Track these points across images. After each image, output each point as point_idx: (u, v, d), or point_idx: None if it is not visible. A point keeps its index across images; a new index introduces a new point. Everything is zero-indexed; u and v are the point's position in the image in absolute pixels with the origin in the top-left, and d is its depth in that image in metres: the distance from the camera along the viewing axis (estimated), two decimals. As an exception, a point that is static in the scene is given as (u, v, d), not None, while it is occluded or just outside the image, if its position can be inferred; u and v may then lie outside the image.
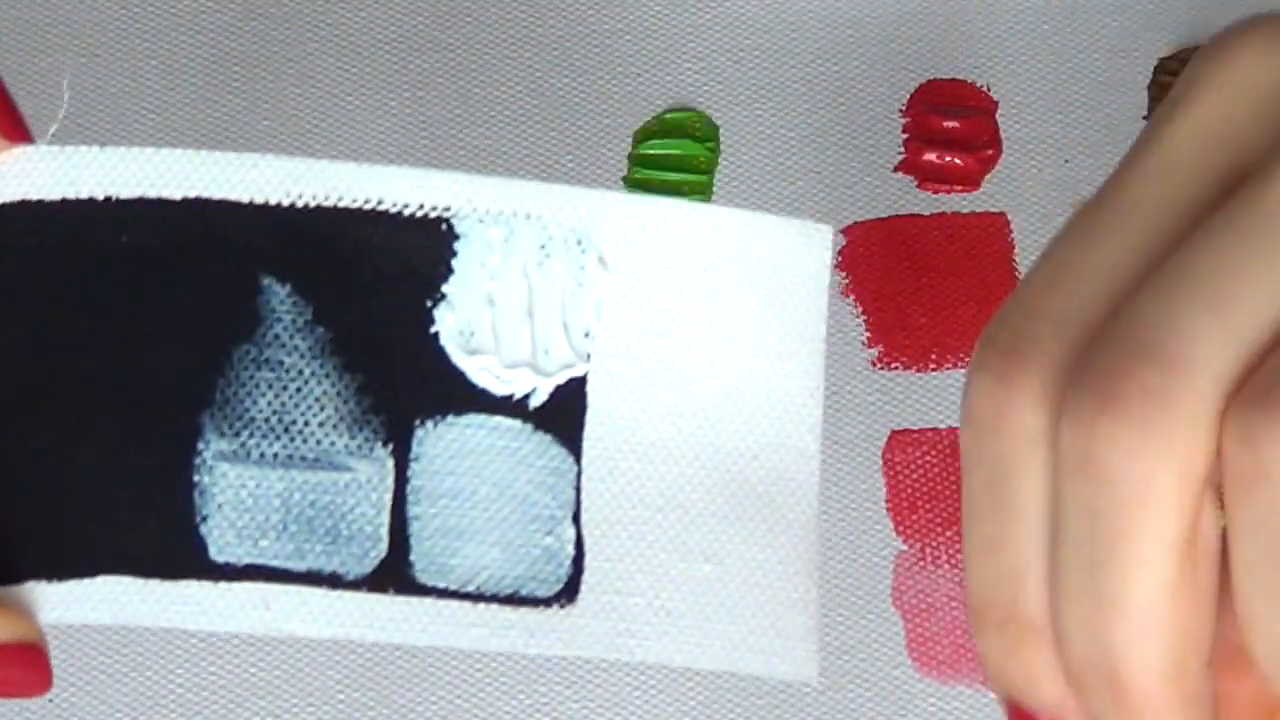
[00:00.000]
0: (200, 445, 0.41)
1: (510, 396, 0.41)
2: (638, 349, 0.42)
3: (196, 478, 0.41)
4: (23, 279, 0.41)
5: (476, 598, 0.41)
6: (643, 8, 0.69)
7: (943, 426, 0.62)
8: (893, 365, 0.63)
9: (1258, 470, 0.31)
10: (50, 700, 0.59)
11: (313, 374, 0.41)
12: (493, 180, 0.41)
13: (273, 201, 0.41)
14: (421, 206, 0.41)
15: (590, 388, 0.42)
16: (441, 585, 0.41)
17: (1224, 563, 0.33)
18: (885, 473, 0.62)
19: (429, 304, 0.41)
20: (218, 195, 0.41)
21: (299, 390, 0.41)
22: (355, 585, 0.41)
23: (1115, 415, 0.32)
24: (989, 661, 0.35)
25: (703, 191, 0.65)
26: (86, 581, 0.40)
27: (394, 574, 0.41)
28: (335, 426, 0.41)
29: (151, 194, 0.41)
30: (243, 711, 0.59)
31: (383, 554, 0.41)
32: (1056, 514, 0.33)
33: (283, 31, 0.68)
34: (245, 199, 0.41)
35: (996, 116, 0.67)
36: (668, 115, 0.67)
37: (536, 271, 0.41)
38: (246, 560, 0.40)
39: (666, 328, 0.42)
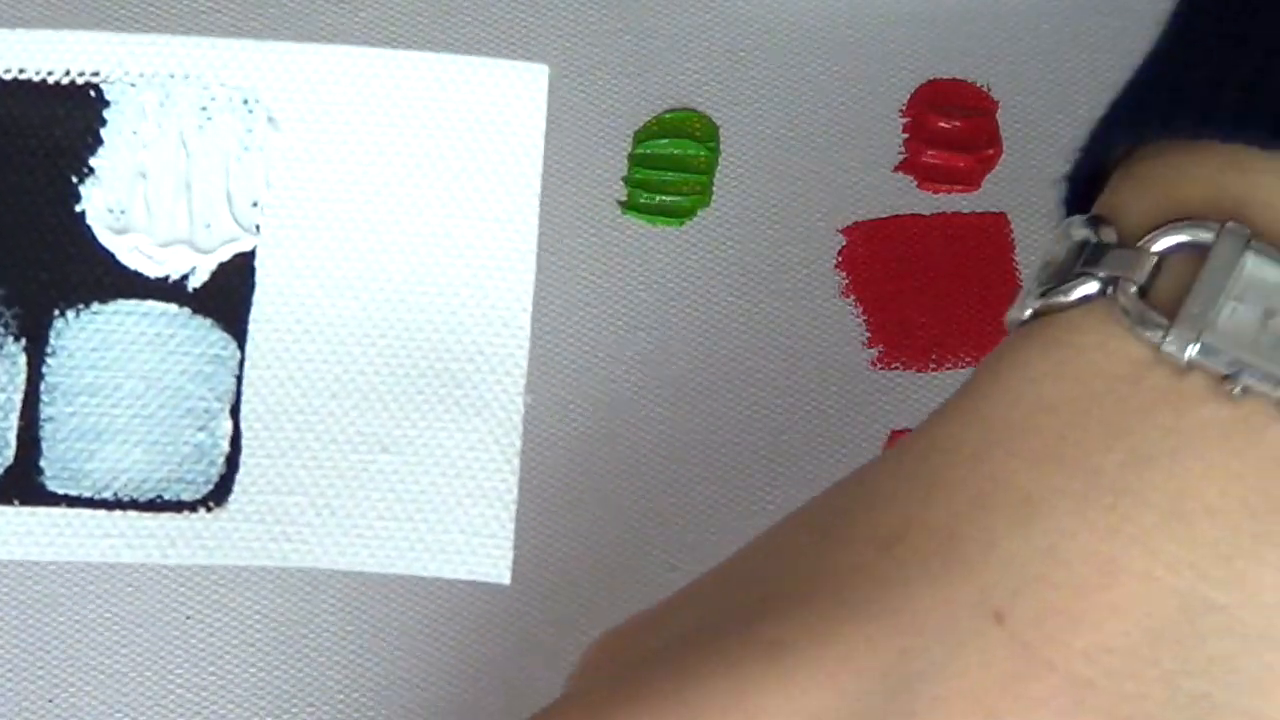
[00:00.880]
0: None
1: (166, 278, 0.38)
2: (315, 217, 0.38)
3: None
4: None
5: (113, 504, 0.38)
6: (643, 8, 0.69)
7: (943, 426, 0.62)
8: (893, 365, 0.63)
9: None
10: (50, 700, 0.59)
11: None
12: (146, 38, 0.38)
13: None
14: (68, 73, 0.38)
15: (259, 263, 0.38)
16: (74, 493, 0.38)
17: None
18: (885, 473, 0.62)
19: (75, 180, 0.38)
20: None
21: None
22: None
23: None
24: None
25: (702, 192, 0.65)
26: None
27: (21, 483, 0.38)
28: None
29: None
30: (242, 711, 0.59)
31: (8, 461, 0.38)
32: None
33: (282, 32, 0.68)
34: None
35: (997, 116, 0.67)
36: (667, 115, 0.67)
37: (197, 136, 0.38)
38: None
39: (349, 192, 0.38)
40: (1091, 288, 0.39)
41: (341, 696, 0.60)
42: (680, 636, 0.36)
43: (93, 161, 0.38)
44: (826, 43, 0.68)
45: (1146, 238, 0.38)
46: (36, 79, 0.38)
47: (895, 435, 0.62)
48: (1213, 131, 0.37)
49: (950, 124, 0.67)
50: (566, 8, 0.68)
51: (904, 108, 0.67)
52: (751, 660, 0.35)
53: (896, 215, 0.66)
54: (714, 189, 0.66)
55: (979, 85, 0.67)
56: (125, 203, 0.38)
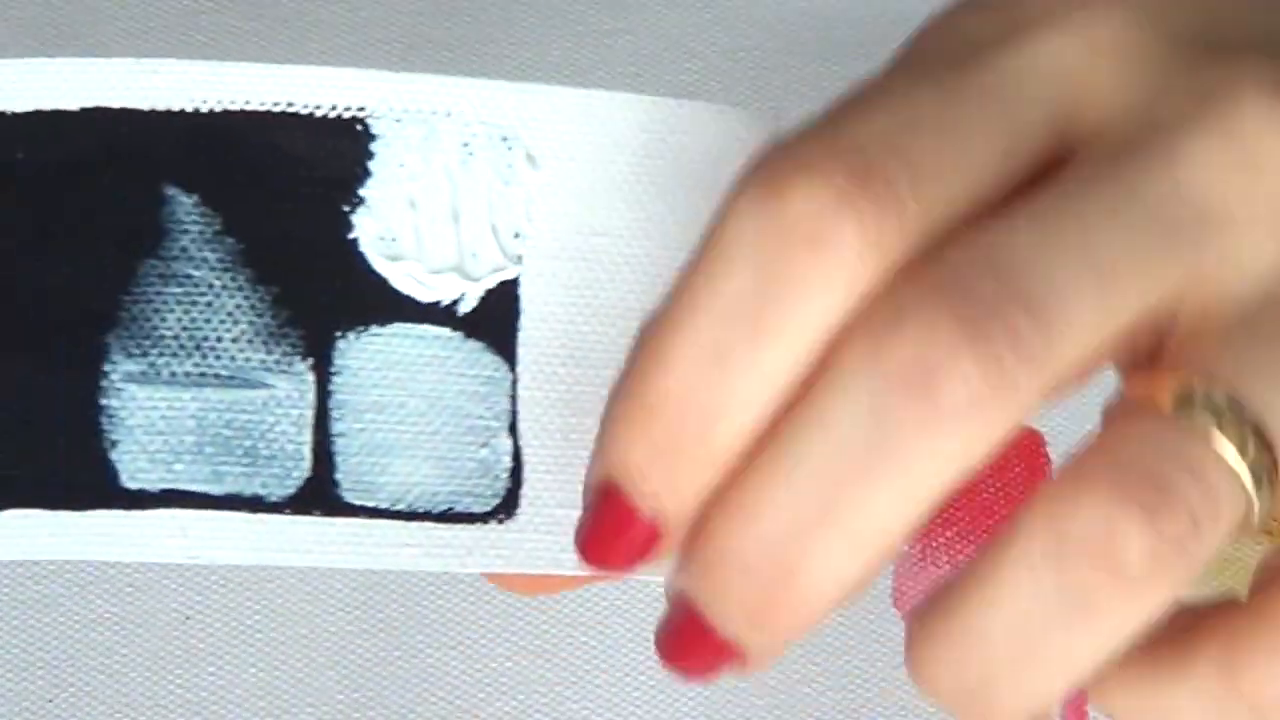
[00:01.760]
0: (107, 367, 0.39)
1: (437, 303, 0.39)
2: (571, 248, 0.40)
3: (104, 401, 0.39)
4: None
5: (408, 516, 0.39)
6: (643, 8, 0.69)
7: (943, 426, 0.62)
8: (893, 365, 0.63)
9: None
10: (50, 700, 0.59)
11: (224, 287, 0.39)
12: (409, 77, 0.40)
13: (175, 108, 0.39)
14: (335, 107, 0.39)
15: (522, 291, 0.40)
16: (370, 504, 0.39)
17: None
18: (885, 473, 0.62)
19: (346, 209, 0.39)
20: (116, 104, 0.39)
21: (210, 305, 0.39)
22: (278, 508, 0.39)
23: (975, 349, 0.32)
24: (618, 438, 0.35)
25: (703, 191, 0.66)
26: None
27: (319, 494, 0.39)
28: (250, 341, 0.39)
29: (47, 106, 0.39)
30: (242, 711, 0.59)
31: (306, 474, 0.39)
32: (814, 377, 0.34)
33: (282, 32, 0.68)
34: (146, 107, 0.39)
35: (996, 116, 0.67)
36: (667, 115, 0.67)
37: (460, 171, 0.40)
38: (160, 485, 0.39)
39: (600, 224, 0.40)
40: None
41: (341, 697, 0.60)
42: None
43: (362, 192, 0.39)
44: (827, 43, 0.68)
45: None
46: (304, 112, 0.39)
47: (895, 435, 0.62)
48: None
49: (950, 124, 0.67)
50: (567, 7, 0.68)
51: (904, 108, 0.67)
52: None
53: (896, 215, 0.66)
54: (714, 189, 0.66)
55: (979, 85, 0.67)
56: (395, 231, 0.39)
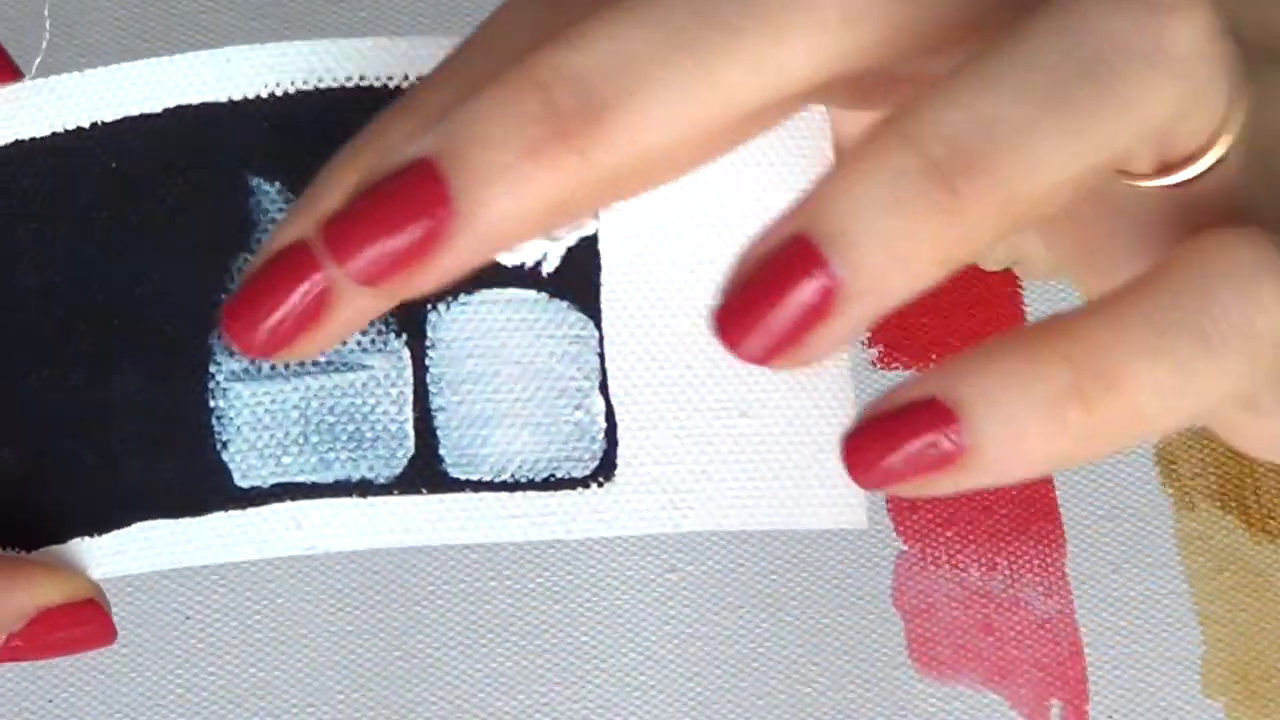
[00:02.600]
0: (212, 369, 0.39)
1: (522, 266, 0.39)
2: (647, 199, 0.38)
3: (212, 403, 0.39)
4: (27, 222, 0.40)
5: (513, 486, 0.39)
6: (642, 8, 0.69)
7: (943, 426, 0.62)
8: (893, 365, 0.63)
9: None
10: (50, 700, 0.59)
11: None
12: None
13: (251, 95, 0.39)
14: (406, 77, 0.39)
15: (602, 245, 0.40)
16: (475, 477, 0.39)
17: None
18: (885, 473, 0.62)
19: None
20: (196, 99, 0.39)
21: None
22: (386, 489, 0.39)
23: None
24: (505, 133, 0.30)
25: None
26: (125, 532, 0.39)
27: (425, 471, 0.39)
28: None
29: (134, 111, 0.40)
30: (242, 712, 0.59)
31: (410, 452, 0.39)
32: None
33: (282, 32, 0.68)
34: (224, 98, 0.39)
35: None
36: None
37: None
38: (272, 480, 0.39)
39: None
40: None
41: (341, 697, 0.60)
42: None
43: None
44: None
45: None
46: (377, 84, 0.39)
47: (895, 435, 0.62)
48: None
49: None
50: (566, 8, 0.69)
51: (904, 108, 0.67)
52: None
53: (896, 215, 0.66)
54: (714, 189, 0.66)
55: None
56: None
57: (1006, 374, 0.32)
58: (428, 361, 0.39)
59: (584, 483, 0.39)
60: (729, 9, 0.31)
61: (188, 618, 0.59)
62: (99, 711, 0.58)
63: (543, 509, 0.39)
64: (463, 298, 0.39)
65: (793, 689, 0.59)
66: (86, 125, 0.40)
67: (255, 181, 0.39)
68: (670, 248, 0.40)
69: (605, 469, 0.39)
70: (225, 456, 0.39)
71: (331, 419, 0.39)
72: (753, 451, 0.40)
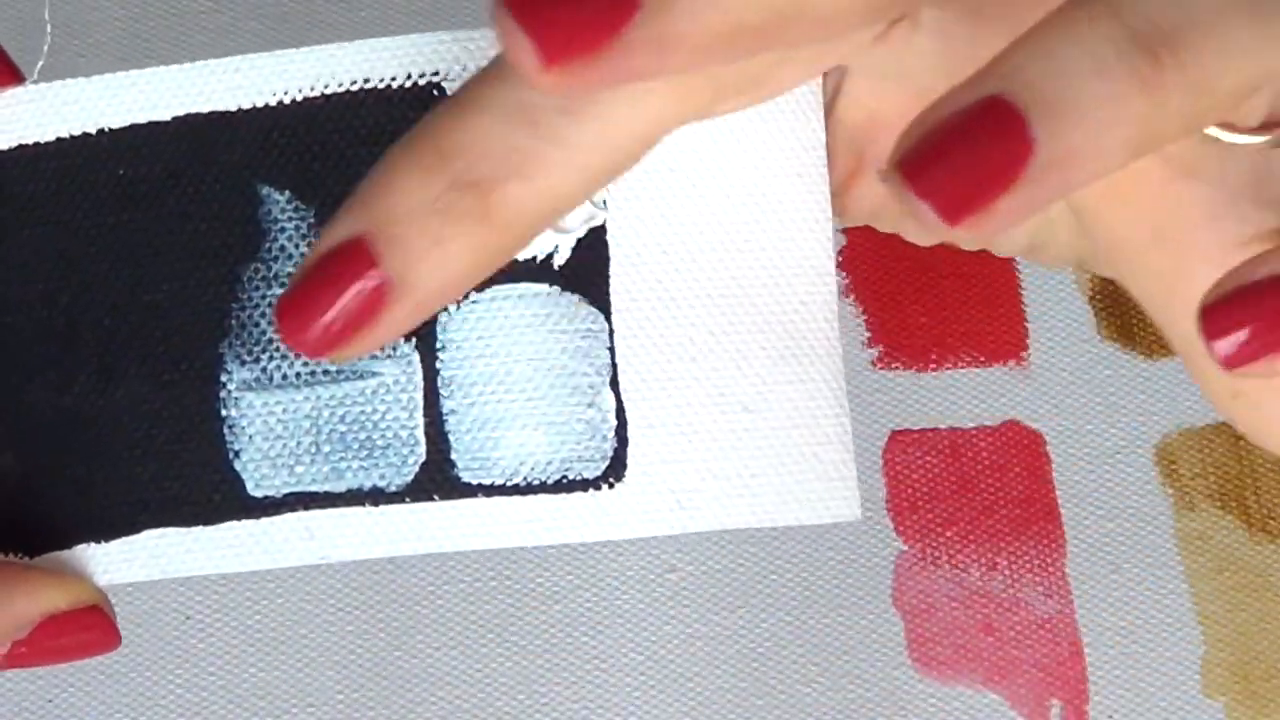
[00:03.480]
0: (223, 378, 0.39)
1: (533, 259, 0.39)
2: (651, 189, 0.39)
3: (224, 412, 0.39)
4: (30, 227, 0.40)
5: (525, 490, 0.39)
6: (642, 8, 0.69)
7: (943, 426, 0.62)
8: (893, 365, 0.63)
9: None
10: (50, 700, 0.59)
11: None
12: (480, 34, 0.39)
13: (260, 104, 0.39)
14: (409, 76, 0.39)
15: (610, 236, 0.39)
16: (487, 481, 0.39)
17: None
18: (885, 473, 0.62)
19: None
20: (205, 108, 0.39)
21: None
22: (398, 497, 0.39)
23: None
24: (393, 184, 0.32)
25: (702, 191, 0.65)
26: (133, 539, 0.39)
27: (436, 477, 0.39)
28: None
29: (141, 119, 0.40)
30: (242, 712, 0.59)
31: (421, 458, 0.39)
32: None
33: (282, 32, 0.68)
34: (233, 107, 0.39)
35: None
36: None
37: None
38: (285, 490, 0.39)
39: (676, 160, 0.39)
40: None
41: (341, 697, 0.60)
42: None
43: None
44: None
45: None
46: (382, 86, 0.39)
47: (895, 435, 0.62)
48: None
49: (950, 124, 0.67)
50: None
51: (904, 108, 0.67)
52: None
53: (896, 215, 0.66)
54: (714, 189, 0.66)
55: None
56: None
57: None
58: (439, 365, 0.39)
59: (595, 484, 0.39)
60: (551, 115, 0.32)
61: (188, 618, 0.59)
62: (99, 711, 0.58)
63: (554, 512, 0.39)
64: (474, 297, 0.39)
65: (793, 689, 0.59)
66: (93, 131, 0.40)
67: (265, 190, 0.39)
68: (675, 238, 0.40)
69: (616, 469, 0.39)
70: (238, 466, 0.39)
71: (343, 428, 0.39)
72: (754, 448, 0.39)
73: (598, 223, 0.39)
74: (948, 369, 0.63)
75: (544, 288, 0.39)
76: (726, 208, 0.40)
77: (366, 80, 0.39)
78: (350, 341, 0.33)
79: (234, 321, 0.39)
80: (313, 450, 0.39)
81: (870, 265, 0.65)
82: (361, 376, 0.39)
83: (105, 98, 0.40)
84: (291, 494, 0.39)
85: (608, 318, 0.39)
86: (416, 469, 0.39)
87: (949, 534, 0.61)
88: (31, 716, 0.59)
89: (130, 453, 0.40)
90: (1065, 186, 0.30)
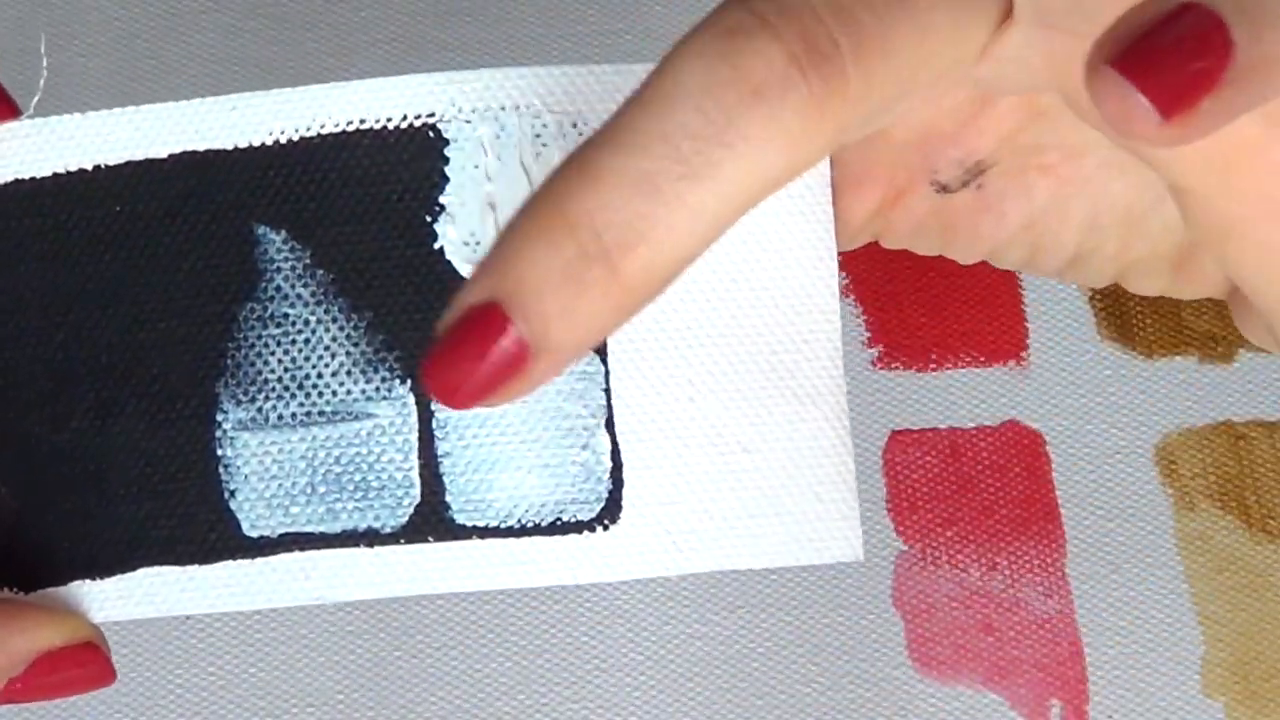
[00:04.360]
0: (219, 417, 0.39)
1: None
2: None
3: (220, 452, 0.39)
4: (26, 262, 0.40)
5: (519, 532, 0.39)
6: (643, 8, 0.69)
7: (943, 426, 0.62)
8: (893, 365, 0.63)
9: None
10: (50, 700, 0.59)
11: (319, 321, 0.40)
12: (475, 75, 0.39)
13: (256, 143, 0.39)
14: (405, 117, 0.39)
15: None
16: (482, 524, 0.39)
17: None
18: (885, 473, 0.62)
19: (428, 219, 0.39)
20: (202, 146, 0.40)
21: (307, 342, 0.40)
22: (393, 538, 0.39)
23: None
24: (522, 251, 0.33)
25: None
26: (128, 577, 0.40)
27: (431, 519, 0.39)
28: (349, 373, 0.39)
29: (138, 156, 0.40)
30: (242, 712, 0.59)
31: (416, 500, 0.39)
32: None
33: (282, 31, 0.68)
34: (229, 145, 0.40)
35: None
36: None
37: (535, 164, 0.39)
38: (280, 530, 0.39)
39: None
40: None
41: (341, 697, 0.60)
42: None
43: (442, 199, 0.39)
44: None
45: None
46: (377, 126, 0.40)
47: (895, 435, 0.62)
48: None
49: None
50: (567, 8, 0.68)
51: (904, 108, 0.67)
52: None
53: (896, 215, 0.66)
54: (714, 189, 0.66)
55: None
56: (479, 234, 0.39)
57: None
58: (434, 407, 0.39)
59: (589, 526, 0.39)
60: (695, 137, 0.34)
61: (188, 618, 0.59)
62: (99, 711, 0.58)
63: (549, 554, 0.39)
64: None
65: (793, 689, 0.59)
66: (89, 167, 0.40)
67: (261, 230, 0.40)
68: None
69: (610, 511, 0.39)
70: (233, 505, 0.39)
71: (338, 469, 0.39)
72: (754, 488, 0.40)
73: None
74: (948, 369, 0.63)
75: None
76: (728, 245, 0.40)
77: (362, 121, 0.40)
78: (496, 397, 0.34)
79: (230, 361, 0.40)
80: (308, 491, 0.39)
81: (870, 265, 0.65)
82: (357, 418, 0.39)
83: (102, 134, 0.40)
84: (287, 534, 0.39)
85: (603, 360, 0.39)
86: (411, 511, 0.39)
87: (949, 534, 0.61)
88: (32, 717, 0.59)
89: (126, 491, 0.40)
90: (1263, 93, 0.31)
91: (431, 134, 0.39)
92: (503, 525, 0.39)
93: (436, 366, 0.34)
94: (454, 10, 0.69)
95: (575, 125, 0.39)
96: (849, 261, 0.65)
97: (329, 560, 0.39)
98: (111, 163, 0.40)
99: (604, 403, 0.39)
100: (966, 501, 0.61)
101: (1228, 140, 0.34)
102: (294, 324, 0.40)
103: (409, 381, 0.39)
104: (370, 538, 0.39)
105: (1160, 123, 0.31)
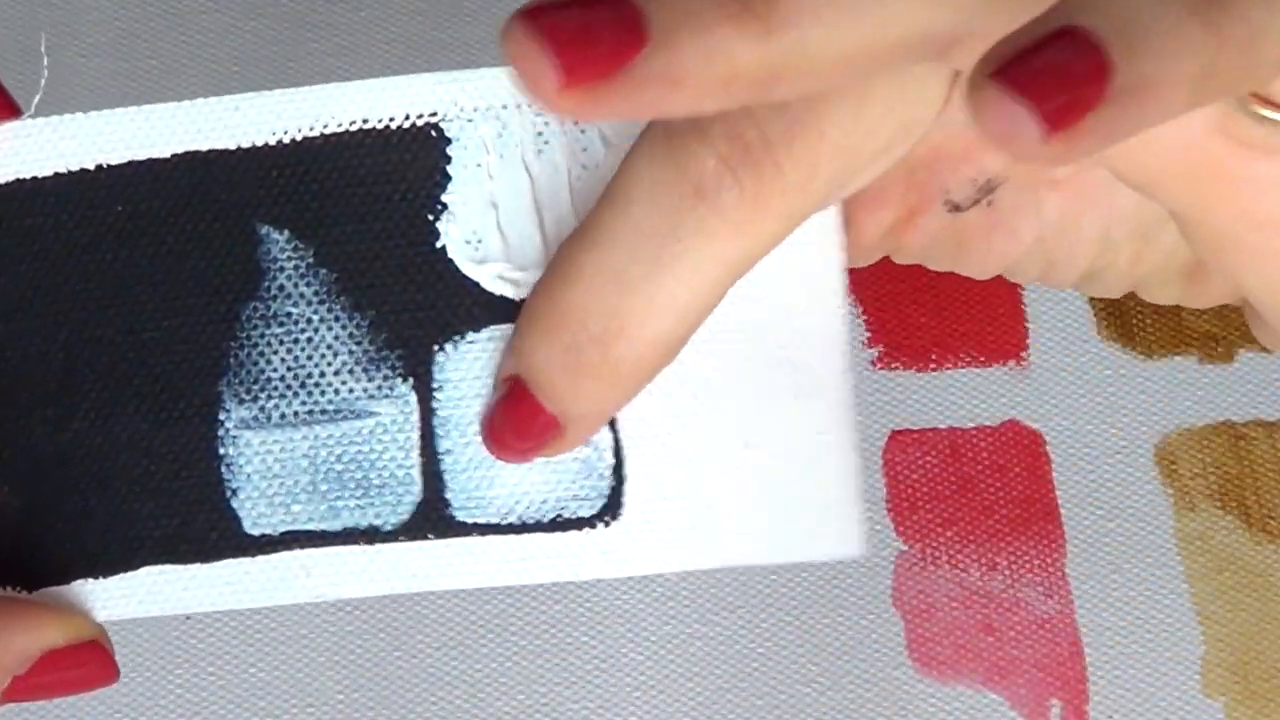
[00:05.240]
0: (221, 416, 0.39)
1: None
2: None
3: (222, 450, 0.40)
4: (28, 261, 0.40)
5: (519, 529, 0.39)
6: (642, 8, 0.69)
7: (942, 426, 0.62)
8: (893, 365, 0.63)
9: None
10: (50, 700, 0.59)
11: (321, 320, 0.40)
12: (477, 74, 0.39)
13: (259, 143, 0.40)
14: (408, 117, 0.39)
15: None
16: (482, 520, 0.39)
17: None
18: (885, 473, 0.62)
19: (430, 218, 0.39)
20: (205, 146, 0.40)
21: (310, 341, 0.40)
22: (393, 536, 0.39)
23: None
24: (529, 339, 0.37)
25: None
26: (130, 576, 0.40)
27: (432, 516, 0.39)
28: (351, 372, 0.39)
29: (141, 155, 0.40)
30: (242, 712, 0.59)
31: (417, 497, 0.39)
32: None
33: (282, 31, 0.68)
34: (233, 145, 0.40)
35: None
36: (668, 115, 0.67)
37: (537, 162, 0.39)
38: (282, 529, 0.39)
39: None
40: None
41: (341, 697, 0.60)
42: None
43: (444, 198, 0.39)
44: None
45: None
46: (380, 126, 0.40)
47: (895, 435, 0.62)
48: None
49: (950, 124, 0.67)
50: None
51: (904, 108, 0.67)
52: None
53: (896, 215, 0.66)
54: (714, 189, 0.66)
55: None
56: (480, 233, 0.39)
57: None
58: (435, 404, 0.39)
59: (590, 522, 0.39)
60: None
61: (188, 618, 0.59)
62: (99, 711, 0.58)
63: (549, 550, 0.39)
64: (470, 335, 0.39)
65: (793, 689, 0.59)
66: (91, 167, 0.40)
67: (264, 229, 0.40)
68: None
69: (612, 507, 0.39)
70: (235, 504, 0.39)
71: (340, 467, 0.40)
72: (756, 485, 0.39)
73: None
74: (948, 369, 0.63)
75: None
76: None
77: (365, 120, 0.40)
78: (543, 456, 0.38)
79: (233, 360, 0.40)
80: (309, 489, 0.39)
81: (870, 265, 0.65)
82: (359, 416, 0.40)
83: (104, 134, 0.40)
84: (288, 532, 0.39)
85: None
86: (412, 508, 0.39)
87: (949, 534, 0.61)
88: (31, 716, 0.59)
89: (129, 490, 0.40)
90: (1142, 116, 0.31)
91: (434, 133, 0.39)
92: (503, 522, 0.39)
93: (491, 430, 0.38)
94: (454, 10, 0.69)
95: (577, 122, 0.39)
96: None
97: (330, 558, 0.39)
98: (114, 162, 0.40)
99: None
100: (966, 501, 0.61)
101: (1196, 162, 0.35)
102: (297, 323, 0.40)
103: (410, 380, 0.39)
104: (371, 535, 0.39)
105: (1041, 139, 0.30)
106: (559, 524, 0.39)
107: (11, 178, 0.40)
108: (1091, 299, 0.64)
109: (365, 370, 0.40)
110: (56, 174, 0.40)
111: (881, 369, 0.63)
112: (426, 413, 0.39)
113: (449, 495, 0.39)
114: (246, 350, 0.40)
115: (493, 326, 0.39)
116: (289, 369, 0.40)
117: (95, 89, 0.67)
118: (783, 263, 0.39)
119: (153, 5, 0.69)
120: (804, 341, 0.40)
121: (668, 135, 0.36)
